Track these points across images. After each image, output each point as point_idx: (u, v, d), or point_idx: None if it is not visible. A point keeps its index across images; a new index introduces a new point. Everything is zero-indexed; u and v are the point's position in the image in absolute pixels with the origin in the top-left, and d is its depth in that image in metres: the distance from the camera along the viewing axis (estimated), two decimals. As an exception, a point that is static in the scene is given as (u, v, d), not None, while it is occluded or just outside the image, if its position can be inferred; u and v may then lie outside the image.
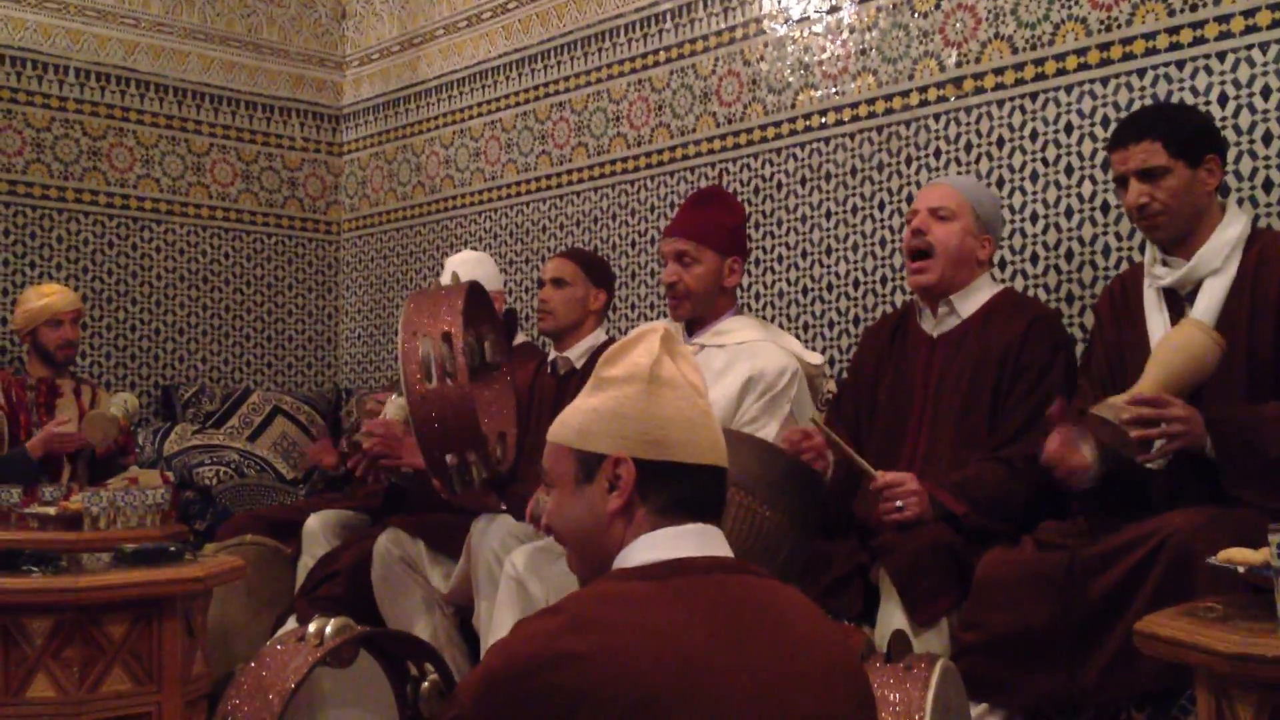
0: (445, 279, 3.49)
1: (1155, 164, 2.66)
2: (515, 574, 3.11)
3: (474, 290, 3.28)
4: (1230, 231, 2.66)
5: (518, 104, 5.24)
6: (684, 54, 4.56)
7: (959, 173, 3.68)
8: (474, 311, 3.26)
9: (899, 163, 3.88)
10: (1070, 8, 3.48)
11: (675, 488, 1.51)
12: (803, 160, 4.15)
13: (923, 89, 3.83)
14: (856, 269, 3.98)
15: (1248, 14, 3.14)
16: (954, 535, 2.70)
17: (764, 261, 4.22)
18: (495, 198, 5.33)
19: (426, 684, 2.14)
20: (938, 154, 3.78)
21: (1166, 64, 3.29)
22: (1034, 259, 3.53)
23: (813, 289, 4.10)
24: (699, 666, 1.36)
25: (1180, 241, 2.70)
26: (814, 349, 3.85)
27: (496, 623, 3.09)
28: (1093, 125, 3.43)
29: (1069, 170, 3.47)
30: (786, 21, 4.22)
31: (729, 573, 1.49)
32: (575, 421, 1.56)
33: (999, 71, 3.64)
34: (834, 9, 4.08)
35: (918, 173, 3.82)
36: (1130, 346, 2.76)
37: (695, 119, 4.50)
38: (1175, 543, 2.28)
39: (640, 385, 1.52)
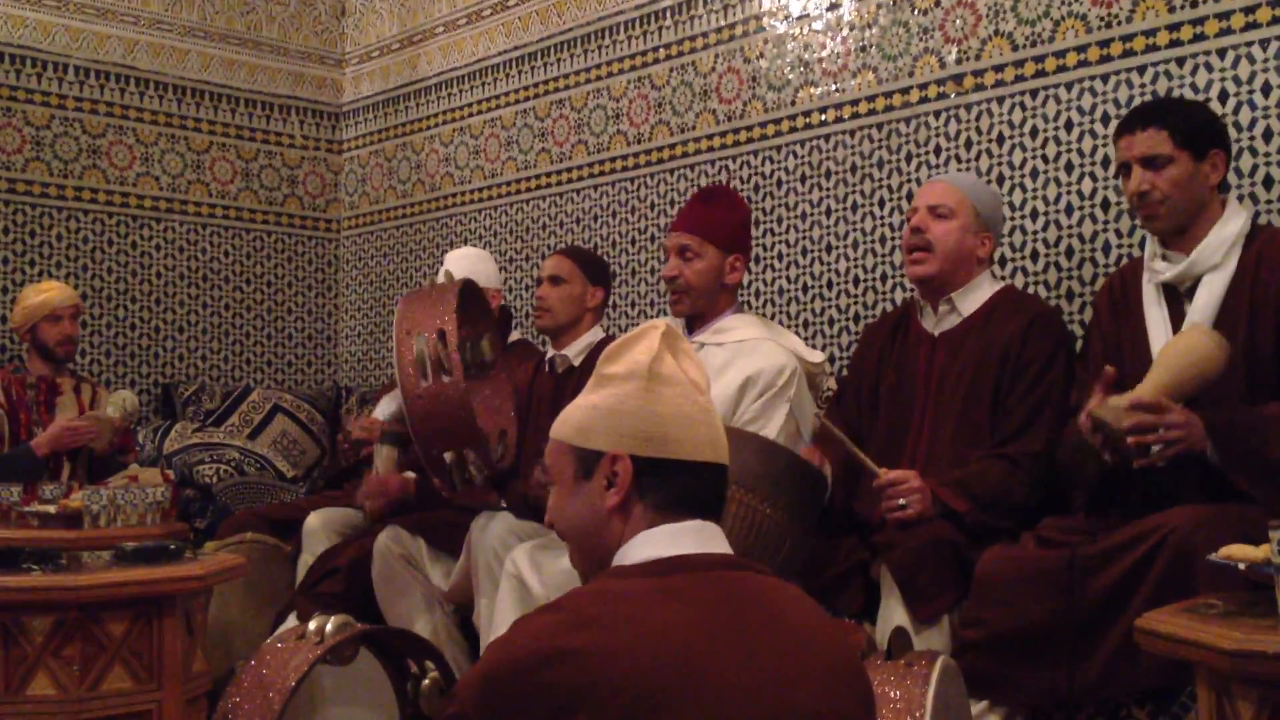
0: (443, 276, 3.50)
1: (1160, 152, 2.66)
2: (515, 571, 3.12)
3: (468, 288, 3.28)
4: (1230, 227, 2.66)
5: (517, 101, 5.23)
6: (684, 51, 4.55)
7: (959, 170, 3.67)
8: (468, 309, 3.26)
9: (899, 160, 3.88)
10: (1070, 4, 3.48)
11: (673, 484, 1.51)
12: (803, 157, 4.15)
13: (923, 86, 3.83)
14: (857, 266, 3.98)
15: (1248, 10, 3.14)
16: (955, 532, 2.70)
17: (764, 259, 4.22)
18: (495, 195, 5.33)
19: (427, 682, 2.14)
20: (938, 151, 3.78)
21: (1166, 60, 3.29)
22: (1034, 256, 3.53)
23: (813, 286, 4.10)
24: (698, 664, 1.36)
25: (1179, 235, 2.70)
26: (814, 347, 3.84)
27: (497, 620, 3.09)
28: (1093, 122, 3.43)
29: (1069, 167, 3.47)
30: (786, 19, 4.21)
31: (728, 570, 1.49)
32: (575, 418, 1.57)
33: (999, 68, 3.64)
34: (834, 6, 4.08)
35: (918, 170, 3.82)
36: (1129, 341, 2.76)
37: (695, 116, 4.50)
38: (1176, 540, 2.28)
39: (639, 382, 1.52)
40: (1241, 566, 1.84)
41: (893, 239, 3.86)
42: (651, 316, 4.58)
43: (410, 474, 3.81)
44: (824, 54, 4.09)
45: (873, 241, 3.94)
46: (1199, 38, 3.22)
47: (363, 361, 6.07)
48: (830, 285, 4.05)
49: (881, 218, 3.92)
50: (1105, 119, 3.39)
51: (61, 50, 5.45)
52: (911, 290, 3.27)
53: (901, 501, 2.73)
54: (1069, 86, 3.48)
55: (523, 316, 4.95)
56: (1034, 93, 3.56)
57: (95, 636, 2.47)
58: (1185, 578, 2.21)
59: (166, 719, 2.53)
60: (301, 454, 5.37)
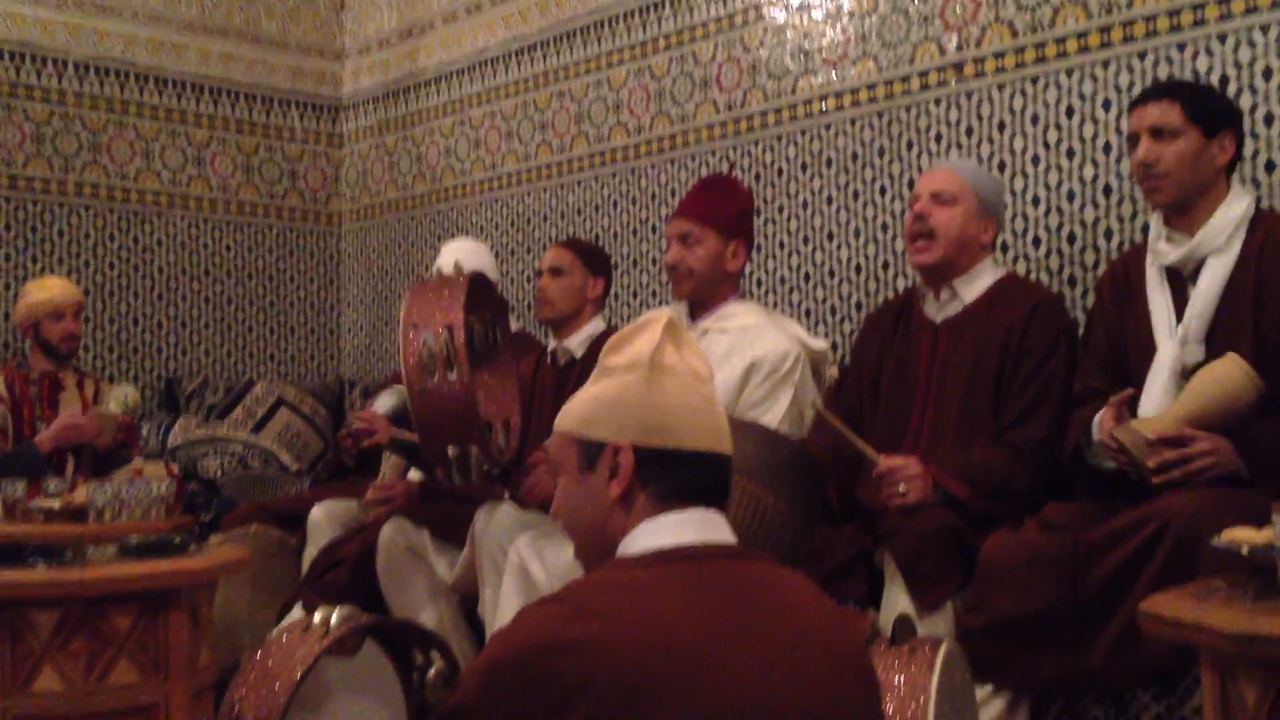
0: (439, 265, 3.51)
1: (1169, 124, 2.66)
2: (519, 561, 3.12)
3: (477, 280, 3.28)
4: (1234, 210, 2.66)
5: (517, 93, 5.23)
6: (683, 41, 4.55)
7: (960, 157, 3.67)
8: (477, 299, 3.26)
9: (900, 148, 3.88)
10: (1070, -10, 3.48)
11: (676, 474, 1.51)
12: (804, 146, 4.15)
13: (923, 74, 3.82)
14: (859, 254, 3.97)
15: (1248, -6, 3.14)
16: (958, 519, 2.71)
17: (766, 248, 4.22)
18: (496, 187, 5.33)
19: (433, 672, 2.14)
20: (939, 139, 3.77)
21: (1167, 46, 3.28)
22: (1036, 242, 3.53)
23: (815, 275, 4.09)
24: (701, 653, 1.37)
25: (1182, 214, 2.69)
26: (816, 335, 3.84)
27: (501, 610, 3.10)
28: (1094, 108, 3.42)
29: (1070, 153, 3.47)
30: (786, 7, 4.21)
31: (732, 559, 1.50)
32: (577, 410, 1.57)
33: (999, 55, 3.63)
34: (833, -6, 4.07)
35: (919, 158, 3.81)
36: (1132, 326, 2.76)
37: (695, 106, 4.49)
38: (1179, 524, 2.28)
39: (641, 373, 1.52)
40: (1245, 550, 1.84)
41: (894, 227, 3.86)
42: (653, 307, 4.58)
43: (415, 477, 3.82)
44: (824, 42, 4.09)
45: (874, 230, 3.93)
46: (1199, 23, 3.22)
47: (365, 354, 6.07)
48: (832, 274, 4.05)
49: (883, 206, 3.92)
50: (1106, 105, 3.39)
51: (61, 46, 5.44)
52: (914, 278, 3.27)
53: (901, 488, 2.74)
54: (1069, 72, 3.48)
55: (524, 308, 4.95)
56: (1035, 79, 3.55)
57: (101, 630, 2.48)
58: (1189, 562, 2.21)
59: (173, 712, 2.54)
60: (305, 447, 5.37)
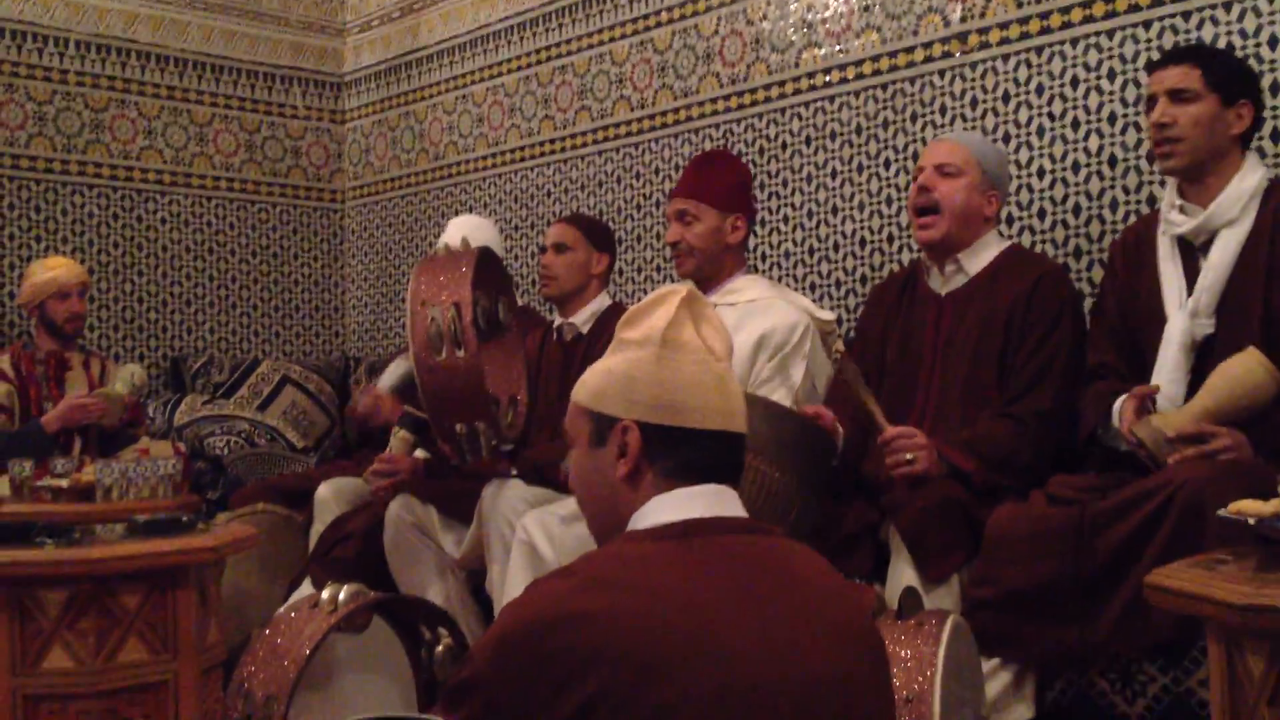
0: (445, 241, 3.51)
1: (1188, 87, 2.64)
2: (526, 538, 3.13)
3: (484, 255, 3.28)
4: (1248, 181, 2.64)
5: (520, 68, 5.21)
6: (686, 15, 4.53)
7: (965, 129, 3.66)
8: (485, 275, 3.25)
9: (904, 120, 3.86)
10: (1075, -40, 3.45)
11: (683, 453, 1.50)
12: (807, 119, 4.13)
13: (927, 45, 3.80)
14: (863, 228, 3.96)
15: (1254, -37, 3.12)
16: (963, 492, 2.71)
17: (770, 222, 4.21)
18: (499, 163, 5.31)
19: (440, 648, 2.15)
20: (943, 110, 3.76)
21: (1172, 15, 3.26)
22: (1041, 214, 3.52)
23: (819, 249, 4.09)
24: (710, 627, 1.37)
25: (1195, 182, 2.68)
26: (823, 308, 3.84)
27: (509, 586, 3.11)
28: (1099, 79, 3.40)
29: (1075, 124, 3.45)
30: (789, -21, 4.19)
31: (742, 533, 1.50)
32: (591, 382, 1.57)
33: (1004, 25, 3.61)
34: (836, -34, 4.05)
35: (923, 130, 3.80)
36: (1143, 296, 2.75)
37: (699, 80, 4.48)
38: (1185, 495, 2.28)
39: (653, 349, 1.51)
40: (1251, 521, 1.85)
41: (899, 200, 3.85)
42: (658, 282, 4.58)
43: (421, 454, 3.83)
44: (827, 14, 4.07)
45: (879, 203, 3.92)
46: (1205, -9, 3.20)
47: (370, 331, 6.07)
48: (836, 247, 4.04)
49: (887, 179, 3.90)
50: (1111, 75, 3.37)
51: (62, 25, 5.43)
52: (918, 251, 3.26)
53: (909, 456, 2.74)
54: (1074, 43, 3.46)
55: (529, 284, 4.95)
56: (1039, 49, 3.54)
57: (110, 609, 2.48)
58: (1195, 533, 2.21)
59: (182, 689, 2.54)
60: (311, 425, 5.38)
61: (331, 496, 3.96)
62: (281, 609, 2.26)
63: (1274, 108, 3.07)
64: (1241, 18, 3.13)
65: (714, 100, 4.43)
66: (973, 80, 3.69)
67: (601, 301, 3.76)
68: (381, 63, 5.99)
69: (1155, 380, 2.63)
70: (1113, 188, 3.37)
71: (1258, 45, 3.10)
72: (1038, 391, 2.85)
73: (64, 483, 3.61)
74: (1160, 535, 2.30)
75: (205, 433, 4.97)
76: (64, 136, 5.42)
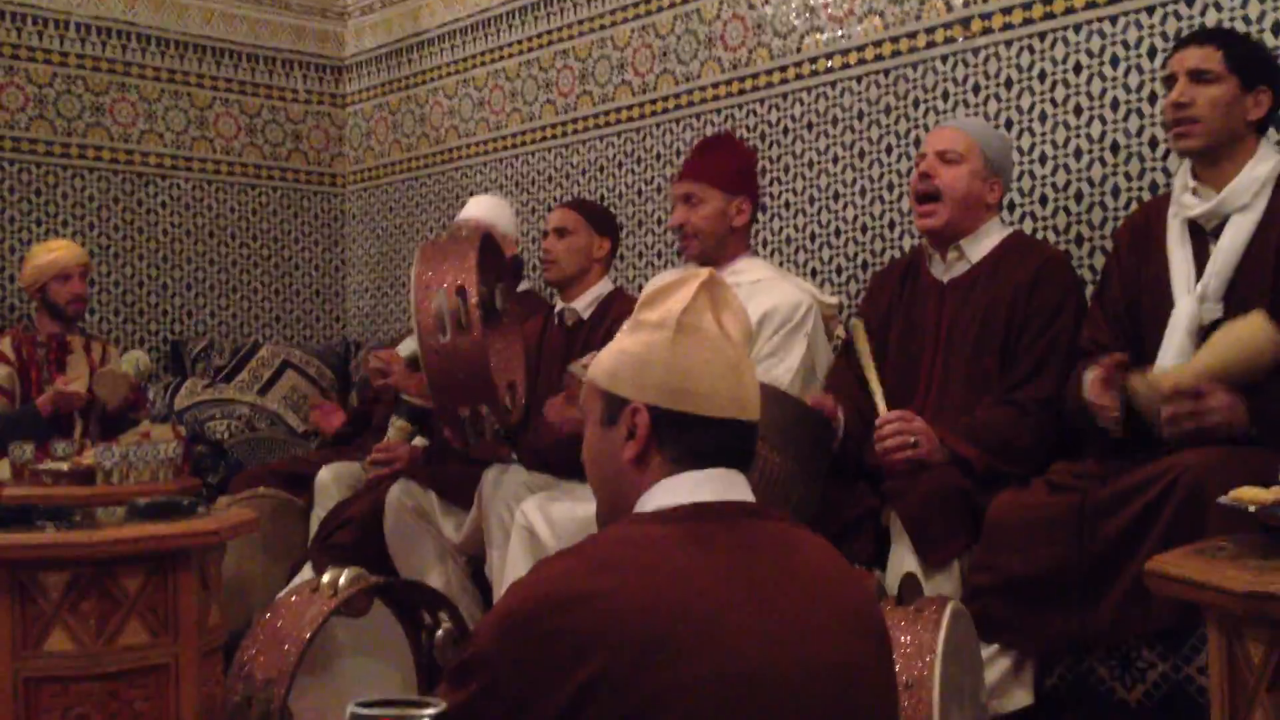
0: (461, 218, 3.52)
1: (1208, 68, 2.63)
2: (526, 523, 3.13)
3: (485, 240, 3.28)
4: (1262, 168, 2.63)
5: (521, 52, 5.20)
6: (688, -1, 4.52)
7: (967, 115, 3.65)
8: (484, 260, 3.25)
9: (906, 106, 3.85)
10: (1079, -55, 3.44)
11: (692, 439, 1.50)
12: (809, 105, 4.12)
13: (930, 30, 3.79)
14: (864, 214, 3.96)
15: (1259, -52, 3.10)
16: (964, 479, 2.71)
17: (771, 208, 4.20)
18: (500, 148, 5.30)
19: (441, 633, 2.15)
20: (945, 96, 3.75)
21: (1175, 1, 3.25)
22: (1043, 200, 3.51)
23: (820, 234, 4.08)
24: (713, 609, 1.37)
25: (1209, 166, 2.67)
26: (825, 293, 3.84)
27: (509, 571, 3.11)
28: (1101, 64, 3.40)
29: (1078, 110, 3.45)
30: (791, -36, 4.17)
31: (747, 517, 1.50)
32: (606, 361, 1.56)
33: (1007, 11, 3.60)
34: (839, -50, 4.03)
35: (925, 115, 3.79)
36: (1149, 278, 2.74)
37: (700, 65, 4.47)
38: (1186, 482, 2.28)
39: (668, 333, 1.50)
40: (1252, 509, 1.84)
41: (900, 186, 3.84)
42: (660, 267, 4.58)
43: (420, 442, 3.83)
44: (830, -1, 4.06)
45: (880, 189, 3.92)
46: (1209, -23, 3.19)
47: (370, 316, 6.07)
48: (838, 233, 4.03)
49: (889, 165, 3.90)
50: (1114, 61, 3.36)
51: (62, 7, 5.41)
52: (920, 237, 3.26)
53: (912, 439, 2.74)
54: (1077, 28, 3.45)
55: (530, 269, 4.94)
56: (1042, 35, 3.53)
57: (111, 592, 2.48)
58: (1196, 520, 2.21)
59: (183, 672, 2.55)
60: (304, 416, 5.38)
61: (332, 481, 3.97)
62: (282, 593, 2.26)
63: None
64: (1245, 3, 3.12)
65: (715, 85, 4.42)
66: (975, 66, 3.68)
67: (603, 286, 3.76)
68: (383, 47, 5.98)
69: (1159, 364, 2.62)
70: (1115, 174, 3.36)
71: (1261, 31, 3.09)
72: (1040, 378, 2.85)
73: (64, 466, 3.62)
74: (1161, 522, 2.30)
75: (206, 417, 4.97)
76: (64, 120, 5.41)
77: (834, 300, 3.33)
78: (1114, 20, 3.37)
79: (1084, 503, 2.45)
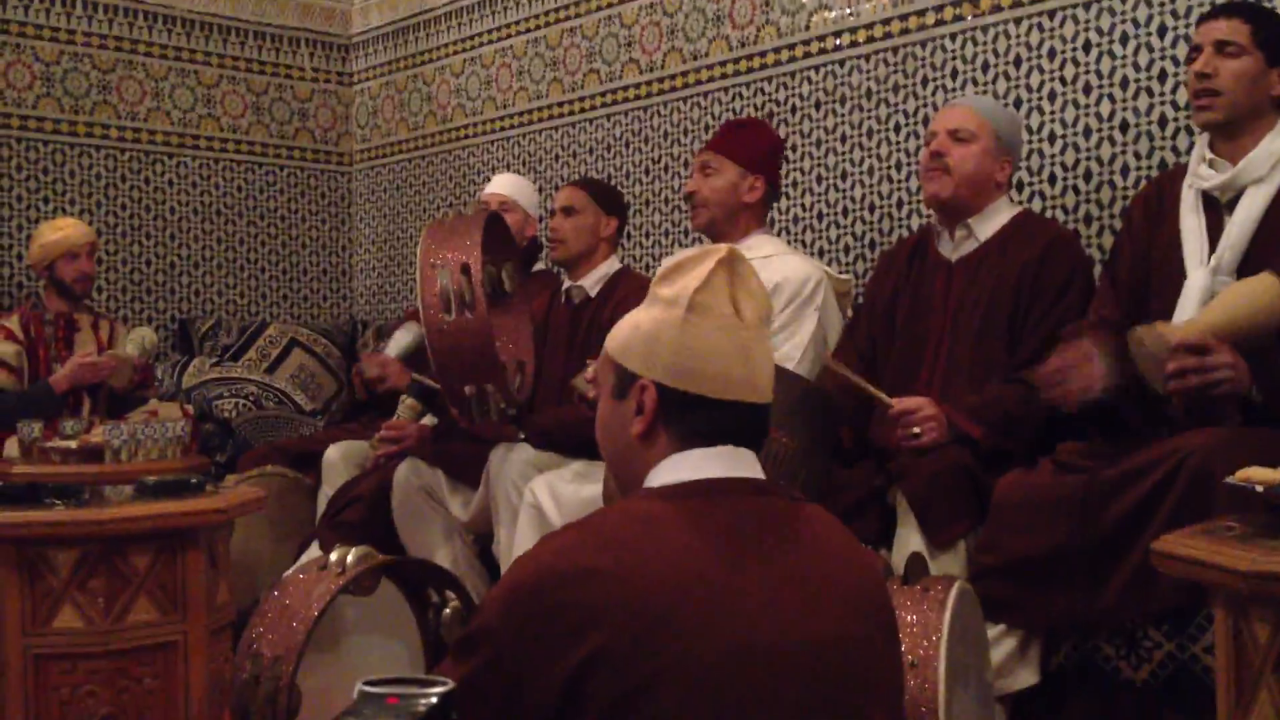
0: (489, 190, 3.55)
1: (1235, 41, 2.62)
2: (534, 502, 3.14)
3: (491, 220, 3.28)
4: (1279, 142, 2.62)
5: (528, 30, 5.18)
6: (696, -24, 4.50)
7: (976, 93, 3.63)
8: (492, 240, 3.25)
9: (915, 84, 3.84)
10: (1089, -78, 3.42)
11: (699, 419, 1.49)
12: (817, 83, 4.11)
13: (939, 8, 3.77)
14: (872, 193, 3.95)
15: (1271, -74, 3.08)
16: (971, 458, 2.70)
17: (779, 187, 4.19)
18: (507, 126, 5.29)
19: (448, 610, 2.17)
20: (954, 74, 3.73)
21: (1187, -21, 3.24)
22: (1052, 179, 3.50)
23: (828, 214, 4.07)
24: (717, 586, 1.38)
25: (1228, 139, 2.65)
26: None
27: (516, 550, 3.12)
28: (1111, 43, 3.38)
29: (1087, 89, 3.43)
30: (800, -59, 4.15)
31: (755, 494, 1.49)
32: (621, 334, 1.55)
33: (1016, -11, 3.59)
34: (848, -72, 4.01)
35: (934, 94, 3.78)
36: (1160, 248, 2.73)
37: (708, 43, 4.45)
38: (1194, 462, 2.27)
39: (679, 311, 1.48)
40: (1259, 489, 1.84)
41: (908, 165, 3.83)
42: (666, 247, 4.57)
43: (429, 421, 3.84)
44: (838, -23, 4.04)
45: (889, 168, 3.91)
46: (1220, -45, 3.17)
47: (378, 295, 6.07)
48: (846, 212, 4.02)
49: (897, 143, 3.88)
50: (1124, 39, 3.35)
51: (68, -16, 5.41)
52: (927, 216, 3.25)
53: (916, 430, 2.74)
54: (1087, 6, 3.43)
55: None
56: (1052, 13, 3.51)
57: (120, 569, 2.50)
58: (1203, 500, 2.20)
59: (192, 649, 2.56)
60: (319, 388, 5.39)
61: (340, 459, 3.98)
62: (290, 571, 2.28)
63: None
64: (1257, -18, 3.10)
65: (723, 64, 4.40)
66: (984, 44, 3.66)
67: (611, 265, 3.76)
68: (389, 24, 5.96)
69: None
70: (1124, 153, 3.35)
71: (1271, 5, 3.07)
72: (1047, 357, 2.84)
73: (73, 444, 3.62)
74: (1168, 503, 2.30)
75: (213, 395, 4.97)
76: (71, 97, 5.41)
77: (847, 277, 3.34)
78: (1124, -2, 3.35)
79: (1091, 483, 2.44)
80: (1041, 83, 3.53)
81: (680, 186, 4.53)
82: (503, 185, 4.17)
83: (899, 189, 3.87)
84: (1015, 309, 2.91)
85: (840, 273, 3.93)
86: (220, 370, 5.22)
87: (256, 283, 5.92)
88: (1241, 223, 2.60)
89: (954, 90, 3.72)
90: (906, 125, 3.86)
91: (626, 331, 1.55)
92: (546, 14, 5.09)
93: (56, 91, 5.37)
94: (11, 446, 3.80)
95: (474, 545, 3.58)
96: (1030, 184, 3.53)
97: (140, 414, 3.90)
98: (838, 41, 4.05)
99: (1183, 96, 3.17)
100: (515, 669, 1.37)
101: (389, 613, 2.23)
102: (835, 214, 4.05)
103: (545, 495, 3.14)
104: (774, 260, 3.23)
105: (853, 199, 4.00)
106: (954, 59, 3.73)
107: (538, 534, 3.04)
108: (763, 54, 4.27)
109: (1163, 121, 3.28)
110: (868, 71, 3.96)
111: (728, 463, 1.50)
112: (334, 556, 2.12)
